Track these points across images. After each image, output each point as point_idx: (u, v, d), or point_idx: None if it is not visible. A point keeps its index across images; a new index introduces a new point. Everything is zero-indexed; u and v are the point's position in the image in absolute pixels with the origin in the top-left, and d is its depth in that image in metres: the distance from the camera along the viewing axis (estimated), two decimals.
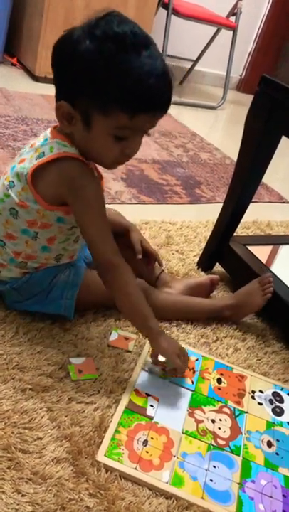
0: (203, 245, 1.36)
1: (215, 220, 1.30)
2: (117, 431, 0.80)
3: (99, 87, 0.76)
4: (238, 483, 0.78)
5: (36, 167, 0.85)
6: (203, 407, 0.90)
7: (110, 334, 1.00)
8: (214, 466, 0.80)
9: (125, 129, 0.80)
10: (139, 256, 1.10)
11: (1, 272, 0.96)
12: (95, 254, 0.89)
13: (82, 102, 0.79)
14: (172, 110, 0.81)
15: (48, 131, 0.88)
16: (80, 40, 0.76)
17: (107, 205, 0.91)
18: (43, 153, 0.85)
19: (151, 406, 0.86)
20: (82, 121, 0.81)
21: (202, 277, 1.20)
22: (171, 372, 0.93)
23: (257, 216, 1.71)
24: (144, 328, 0.91)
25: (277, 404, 0.96)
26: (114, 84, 0.75)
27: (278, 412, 0.94)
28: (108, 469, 0.74)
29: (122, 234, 1.14)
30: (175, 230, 1.48)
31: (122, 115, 0.77)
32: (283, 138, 1.10)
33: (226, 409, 0.91)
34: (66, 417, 0.80)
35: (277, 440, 0.88)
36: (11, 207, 0.89)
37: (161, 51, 2.61)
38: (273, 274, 1.21)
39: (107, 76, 0.75)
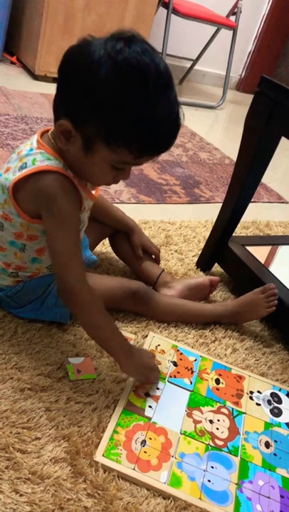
0: (202, 245, 1.36)
1: (214, 220, 1.30)
2: (115, 431, 0.80)
3: (112, 124, 0.73)
4: (236, 484, 0.78)
5: (17, 180, 0.82)
6: (201, 407, 0.90)
7: None
8: (212, 467, 0.80)
9: (127, 164, 0.80)
10: (140, 261, 1.16)
11: None
12: (58, 275, 0.84)
13: (89, 129, 0.75)
14: None
15: (35, 139, 0.85)
16: (102, 63, 0.71)
17: None
18: (26, 164, 0.82)
19: (150, 407, 0.86)
20: (82, 145, 0.77)
21: (202, 278, 1.20)
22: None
23: (256, 216, 1.71)
24: (107, 351, 0.89)
25: (276, 404, 0.96)
26: (128, 127, 0.73)
27: (276, 412, 0.94)
28: (106, 469, 0.74)
29: (126, 233, 1.16)
30: (174, 229, 1.48)
31: (128, 154, 0.76)
32: (283, 138, 1.10)
33: (224, 410, 0.91)
34: (64, 417, 0.80)
35: (275, 441, 0.88)
36: None
37: (161, 50, 2.63)
38: (272, 274, 1.21)
39: (123, 116, 0.72)
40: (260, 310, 1.10)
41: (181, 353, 1.01)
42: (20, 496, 0.68)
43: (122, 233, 1.17)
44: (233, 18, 2.93)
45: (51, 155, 0.82)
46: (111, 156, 0.77)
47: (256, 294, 1.10)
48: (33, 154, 0.83)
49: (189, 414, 0.88)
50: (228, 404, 0.93)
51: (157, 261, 1.21)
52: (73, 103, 0.76)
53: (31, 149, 0.84)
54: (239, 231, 1.56)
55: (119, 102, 0.72)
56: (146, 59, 0.71)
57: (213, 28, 2.93)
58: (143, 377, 0.89)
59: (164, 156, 2.07)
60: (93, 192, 0.93)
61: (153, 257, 1.20)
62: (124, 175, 0.83)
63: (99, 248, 1.25)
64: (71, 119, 0.76)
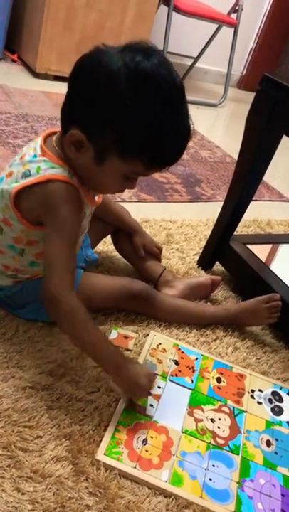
0: (203, 244, 1.36)
1: (215, 219, 1.29)
2: (116, 430, 0.80)
3: (128, 136, 0.74)
4: (237, 482, 0.78)
5: (20, 188, 0.82)
6: (202, 406, 0.90)
7: (110, 333, 1.01)
8: (213, 465, 0.80)
9: (136, 174, 0.81)
10: (142, 261, 1.16)
11: None
12: (45, 279, 0.81)
13: (103, 141, 0.75)
14: None
15: (38, 144, 0.84)
16: (119, 74, 0.71)
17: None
18: (29, 171, 0.81)
19: (151, 405, 0.86)
20: (94, 155, 0.77)
21: (204, 277, 1.20)
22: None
23: (257, 215, 1.71)
24: (94, 360, 0.85)
25: (277, 403, 0.96)
26: (144, 139, 0.74)
27: (277, 411, 0.94)
28: (108, 468, 0.75)
29: (128, 233, 1.17)
30: (175, 228, 1.48)
31: (140, 165, 0.77)
32: (284, 136, 1.10)
33: (225, 409, 0.91)
34: (66, 415, 0.80)
35: (277, 439, 0.88)
36: None
37: (162, 48, 2.62)
38: (273, 273, 1.21)
39: (140, 128, 0.73)
40: (262, 319, 1.10)
41: (183, 352, 1.01)
42: (22, 494, 0.68)
43: (124, 231, 1.17)
44: (234, 15, 2.92)
45: (55, 163, 0.81)
46: (122, 166, 0.77)
47: (259, 303, 1.09)
48: (36, 162, 0.82)
49: (190, 413, 0.88)
50: (229, 402, 0.93)
51: (159, 260, 1.21)
52: (88, 114, 0.75)
53: (35, 155, 0.83)
54: (240, 229, 1.56)
55: (136, 115, 0.72)
56: (163, 72, 0.72)
57: (215, 26, 2.92)
58: (131, 395, 0.84)
59: None
60: (96, 198, 0.93)
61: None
62: (131, 185, 0.84)
63: (100, 246, 1.25)
64: (84, 129, 0.75)
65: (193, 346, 1.04)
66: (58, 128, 0.86)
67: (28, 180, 0.81)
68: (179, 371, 0.96)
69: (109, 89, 0.72)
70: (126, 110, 0.72)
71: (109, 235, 1.22)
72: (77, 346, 0.86)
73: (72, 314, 0.79)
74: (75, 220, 0.83)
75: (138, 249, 1.16)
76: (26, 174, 0.82)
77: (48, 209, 0.81)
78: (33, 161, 0.82)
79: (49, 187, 0.80)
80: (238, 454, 0.83)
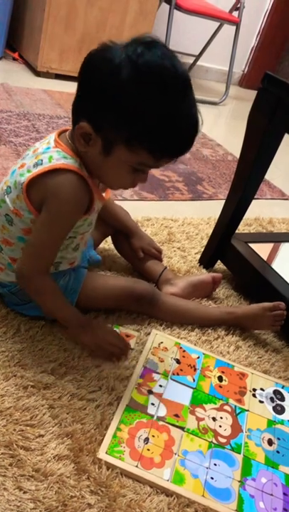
0: (204, 242, 1.35)
1: (217, 217, 1.29)
2: (118, 428, 0.80)
3: (132, 127, 0.74)
4: (239, 481, 0.78)
5: (32, 177, 0.82)
6: (204, 404, 0.90)
7: None
8: (215, 464, 0.80)
9: (145, 165, 0.81)
10: (142, 262, 1.17)
11: (0, 275, 0.96)
12: (21, 260, 0.89)
13: (109, 132, 0.77)
14: None
15: (53, 138, 0.86)
16: (122, 67, 0.72)
17: None
18: (41, 160, 0.82)
19: (152, 404, 0.86)
20: (102, 147, 0.79)
21: (204, 275, 1.20)
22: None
23: (259, 213, 1.71)
24: (64, 322, 0.94)
25: (278, 402, 0.96)
26: (149, 129, 0.74)
27: (279, 410, 0.94)
28: (109, 467, 0.75)
29: (126, 235, 1.16)
30: (177, 226, 1.48)
31: (148, 156, 0.77)
32: (286, 134, 1.10)
33: (227, 407, 0.91)
34: (68, 414, 0.80)
35: (278, 438, 0.88)
36: (6, 213, 0.88)
37: None
38: (274, 271, 1.21)
39: (143, 118, 0.73)
40: (265, 326, 1.10)
41: (184, 351, 1.01)
42: (24, 493, 0.68)
43: (123, 233, 1.17)
44: (235, 13, 2.91)
45: (68, 153, 0.82)
46: (131, 157, 0.78)
47: (264, 311, 1.08)
48: (49, 152, 0.83)
49: (192, 412, 0.88)
50: (231, 401, 0.93)
51: (159, 260, 1.20)
52: (94, 107, 0.77)
53: (48, 147, 0.84)
54: (242, 228, 1.56)
55: (140, 105, 0.73)
56: (165, 62, 0.73)
57: (216, 24, 2.92)
58: (101, 351, 0.92)
59: None
60: (103, 194, 0.93)
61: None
62: (141, 178, 0.84)
63: (102, 245, 1.25)
64: (91, 122, 0.77)
65: (195, 345, 1.04)
66: (67, 126, 0.87)
67: (40, 169, 0.82)
68: (181, 370, 0.96)
69: (112, 81, 0.73)
70: (128, 102, 0.73)
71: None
72: (44, 309, 0.94)
73: (40, 292, 0.90)
74: (73, 219, 0.85)
75: (136, 252, 1.16)
76: (38, 163, 0.83)
77: (50, 198, 0.82)
78: (46, 152, 0.84)
79: (60, 177, 0.81)
80: (239, 453, 0.83)
